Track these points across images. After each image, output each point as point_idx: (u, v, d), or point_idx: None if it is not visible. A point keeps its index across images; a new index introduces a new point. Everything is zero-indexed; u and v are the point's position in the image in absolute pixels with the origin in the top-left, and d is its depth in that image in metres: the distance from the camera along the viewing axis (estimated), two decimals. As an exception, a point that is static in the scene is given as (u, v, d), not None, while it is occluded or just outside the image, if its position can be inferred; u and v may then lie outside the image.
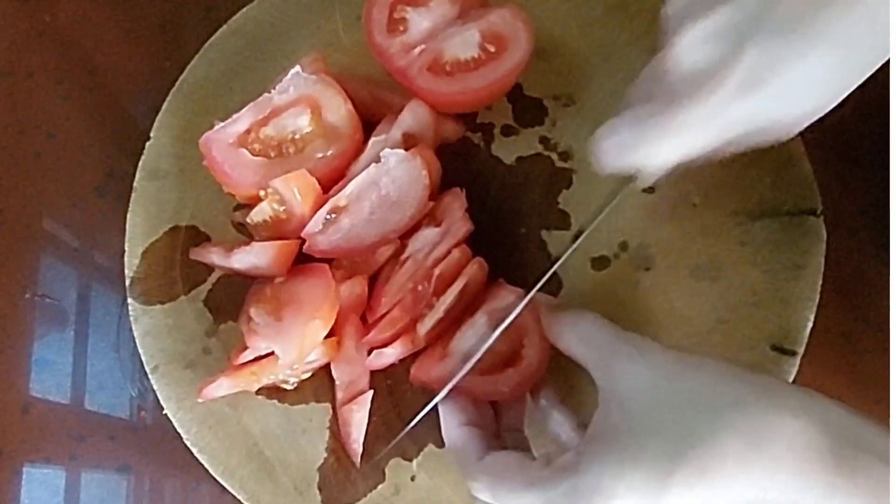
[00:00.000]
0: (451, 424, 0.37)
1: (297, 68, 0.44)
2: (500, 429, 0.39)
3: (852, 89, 0.31)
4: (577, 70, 0.48)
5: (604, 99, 0.47)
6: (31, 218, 0.52)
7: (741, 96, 0.31)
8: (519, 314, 0.38)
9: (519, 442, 0.38)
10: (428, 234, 0.43)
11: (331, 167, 0.43)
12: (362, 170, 0.42)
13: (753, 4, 0.31)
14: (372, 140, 0.44)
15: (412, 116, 0.44)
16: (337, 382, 0.43)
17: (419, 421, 0.40)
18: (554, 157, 0.47)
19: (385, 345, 0.42)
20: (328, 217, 0.42)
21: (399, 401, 0.44)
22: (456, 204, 0.43)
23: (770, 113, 0.32)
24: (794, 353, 0.42)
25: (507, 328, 0.39)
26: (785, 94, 0.31)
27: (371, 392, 0.42)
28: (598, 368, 0.33)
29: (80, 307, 0.50)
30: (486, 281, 0.43)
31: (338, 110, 0.44)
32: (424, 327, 0.41)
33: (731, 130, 0.33)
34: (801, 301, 0.43)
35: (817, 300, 0.43)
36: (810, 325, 0.42)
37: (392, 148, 0.42)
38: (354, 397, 0.42)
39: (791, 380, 0.42)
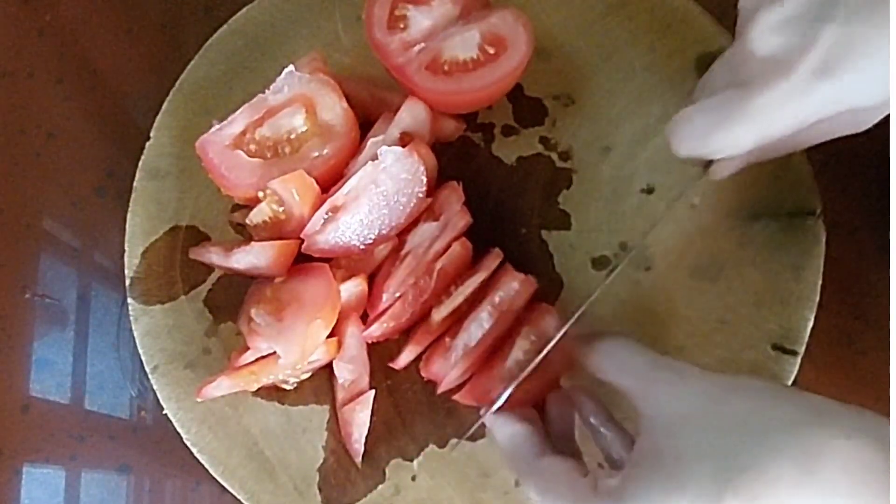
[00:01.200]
0: (506, 423, 0.37)
1: (291, 68, 0.44)
2: (552, 436, 0.38)
3: None
4: (577, 70, 0.48)
5: (604, 98, 0.47)
6: (31, 218, 0.52)
7: (817, 80, 0.31)
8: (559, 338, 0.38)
9: (571, 450, 0.38)
10: (427, 228, 0.43)
11: (328, 166, 0.43)
12: (360, 169, 0.42)
13: None
14: (370, 140, 0.44)
15: (409, 115, 0.44)
16: (338, 382, 0.43)
17: (420, 421, 0.40)
18: (554, 156, 0.47)
19: (386, 339, 0.42)
20: (327, 216, 0.42)
21: (399, 401, 0.44)
22: (453, 197, 0.44)
23: (847, 99, 0.31)
24: (794, 353, 0.42)
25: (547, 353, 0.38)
26: (862, 78, 0.31)
27: (373, 392, 0.42)
28: (638, 396, 0.32)
29: (80, 307, 0.50)
30: (482, 266, 0.43)
31: (332, 108, 0.44)
32: (440, 314, 0.42)
33: (807, 117, 0.32)
34: (801, 301, 0.43)
35: (817, 300, 0.43)
36: (810, 324, 0.42)
37: (389, 146, 0.42)
38: (355, 397, 0.42)
39: (791, 379, 0.42)
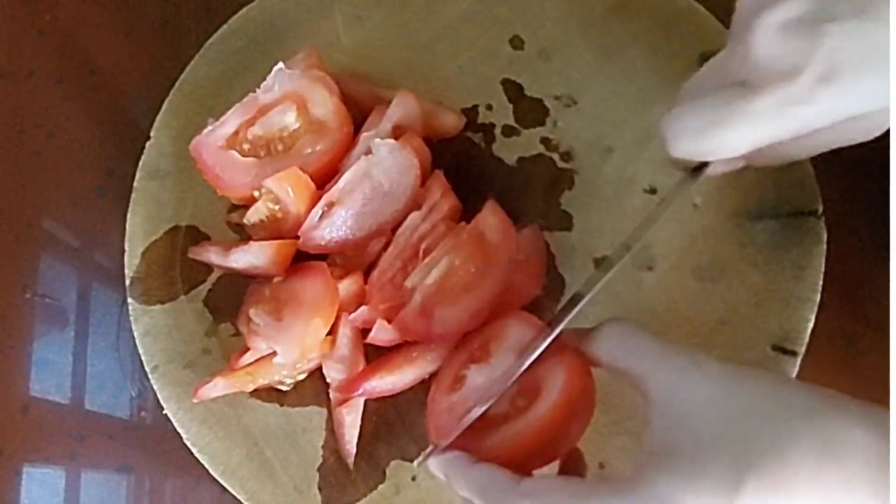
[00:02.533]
0: (464, 467, 0.34)
1: (280, 65, 0.44)
2: None
3: None
4: (578, 70, 0.48)
5: (606, 99, 0.47)
6: (31, 218, 0.51)
7: (819, 86, 0.30)
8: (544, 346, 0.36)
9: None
10: (413, 217, 0.43)
11: (322, 162, 0.43)
12: (354, 163, 0.42)
13: None
14: (363, 135, 0.44)
15: (401, 108, 0.44)
16: (330, 382, 0.43)
17: (419, 421, 0.40)
18: (555, 157, 0.47)
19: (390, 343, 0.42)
20: (323, 212, 0.42)
21: (399, 401, 0.44)
22: (435, 185, 0.44)
23: (851, 105, 0.31)
24: (794, 354, 0.42)
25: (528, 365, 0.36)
26: (867, 81, 0.30)
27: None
28: (650, 381, 0.32)
29: (80, 307, 0.50)
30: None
31: (324, 104, 0.44)
32: (412, 281, 0.41)
33: (809, 123, 0.31)
34: (801, 301, 0.43)
35: (818, 300, 0.43)
36: (811, 325, 0.42)
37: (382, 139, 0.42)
38: (348, 399, 0.42)
39: (792, 380, 0.42)
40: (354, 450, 0.42)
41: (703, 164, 0.37)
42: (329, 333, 0.42)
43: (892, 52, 0.29)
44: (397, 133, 0.44)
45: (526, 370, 0.36)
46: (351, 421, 0.42)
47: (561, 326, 0.36)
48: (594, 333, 0.35)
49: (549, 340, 0.36)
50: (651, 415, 0.31)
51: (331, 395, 0.43)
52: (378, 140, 0.42)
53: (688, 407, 0.30)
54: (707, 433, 0.29)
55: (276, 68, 0.43)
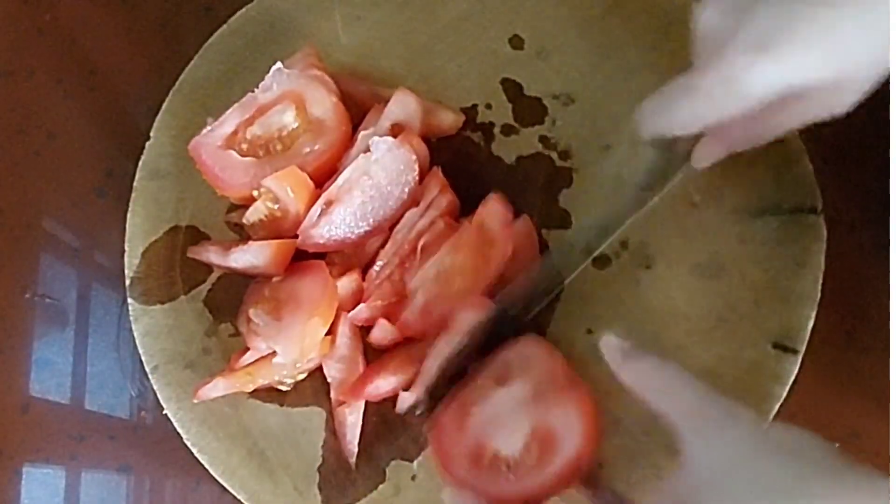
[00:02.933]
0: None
1: (279, 65, 0.44)
2: None
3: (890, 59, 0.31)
4: (576, 69, 0.48)
5: (604, 98, 0.47)
6: (31, 218, 0.52)
7: (753, 58, 0.31)
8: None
9: None
10: (411, 213, 0.43)
11: (320, 161, 0.43)
12: (353, 162, 0.42)
13: None
14: (361, 133, 0.44)
15: (399, 107, 0.44)
16: (330, 382, 0.43)
17: (420, 421, 0.40)
18: (554, 156, 0.47)
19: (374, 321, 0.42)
20: (321, 211, 0.42)
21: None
22: (433, 181, 0.44)
23: (791, 78, 0.31)
24: (795, 351, 0.42)
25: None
26: (803, 55, 0.31)
27: None
28: (686, 428, 0.32)
29: (80, 307, 0.50)
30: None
31: (322, 103, 0.44)
32: (415, 282, 0.42)
33: (755, 95, 0.32)
34: (801, 299, 0.43)
35: (818, 298, 0.43)
36: (811, 323, 0.42)
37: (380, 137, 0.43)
38: (347, 398, 0.42)
39: (791, 378, 0.42)
40: (356, 449, 0.42)
41: (675, 145, 0.39)
42: (328, 333, 0.42)
43: (892, 54, 0.29)
44: (396, 131, 0.44)
45: (540, 408, 0.37)
46: (352, 421, 0.42)
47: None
48: (630, 364, 0.35)
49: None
50: (683, 463, 0.31)
51: (331, 395, 0.43)
52: (376, 138, 0.42)
53: (716, 468, 0.30)
54: (733, 498, 0.29)
55: (274, 68, 0.44)
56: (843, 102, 0.33)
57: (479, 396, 0.39)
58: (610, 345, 0.36)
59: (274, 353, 0.41)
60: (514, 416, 0.38)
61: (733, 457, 0.30)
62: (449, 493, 0.37)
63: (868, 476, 0.29)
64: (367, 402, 0.43)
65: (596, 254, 0.45)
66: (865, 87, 0.32)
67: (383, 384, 0.41)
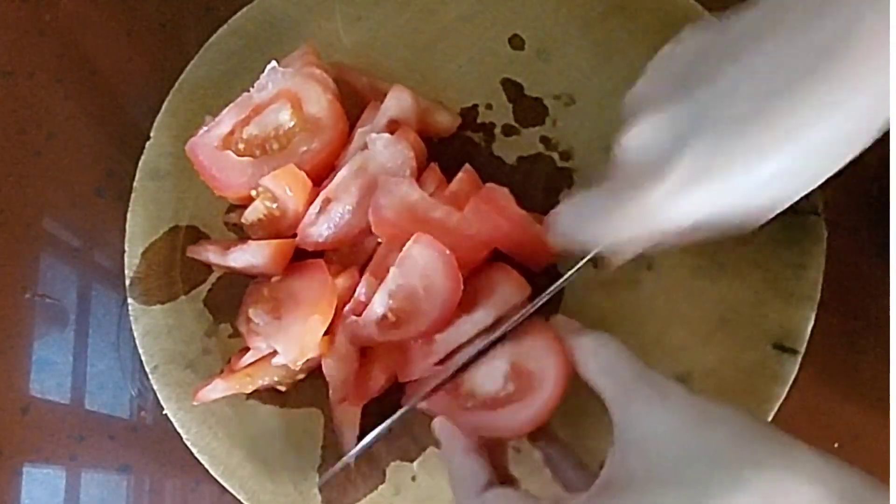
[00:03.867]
0: (455, 450, 0.36)
1: (273, 64, 0.44)
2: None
3: (818, 181, 0.32)
4: (577, 70, 0.48)
5: (604, 99, 0.47)
6: (31, 218, 0.52)
7: (684, 191, 0.31)
8: (518, 323, 0.38)
9: (508, 480, 0.37)
10: None
11: (318, 160, 0.43)
12: (350, 159, 0.43)
13: (705, 101, 0.32)
14: (358, 130, 0.44)
15: (396, 103, 0.44)
16: (329, 381, 0.43)
17: (420, 421, 0.40)
18: (555, 156, 0.47)
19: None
20: (320, 209, 0.42)
21: (399, 401, 0.44)
22: (430, 177, 0.44)
23: (720, 207, 0.32)
24: (795, 352, 0.42)
25: (504, 336, 0.38)
26: (732, 190, 0.31)
27: None
28: (617, 405, 0.32)
29: (80, 307, 0.50)
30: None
31: (318, 101, 0.44)
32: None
33: (681, 221, 0.33)
34: (802, 300, 0.43)
35: (818, 299, 0.43)
36: (811, 324, 0.42)
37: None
38: (346, 397, 0.42)
39: (791, 379, 0.42)
40: (356, 449, 0.42)
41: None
42: (327, 332, 0.41)
43: (892, 53, 0.29)
44: (393, 128, 0.44)
45: (518, 348, 0.38)
46: (352, 421, 0.42)
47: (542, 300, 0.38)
48: (576, 340, 0.36)
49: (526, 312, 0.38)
50: (615, 438, 0.32)
51: (330, 395, 0.43)
52: (374, 135, 0.42)
53: (646, 440, 0.30)
54: (660, 471, 0.29)
55: (269, 67, 0.43)
56: (755, 223, 0.34)
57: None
58: (560, 323, 0.38)
59: (274, 353, 0.41)
60: (483, 349, 0.39)
61: (658, 431, 0.30)
62: (438, 422, 0.37)
63: (798, 444, 0.29)
64: (366, 403, 0.43)
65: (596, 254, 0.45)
66: (782, 206, 0.33)
67: (381, 376, 0.42)
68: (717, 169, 0.31)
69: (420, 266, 0.40)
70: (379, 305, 0.41)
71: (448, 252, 0.39)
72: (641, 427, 0.31)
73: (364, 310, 0.41)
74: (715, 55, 0.33)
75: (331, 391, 0.43)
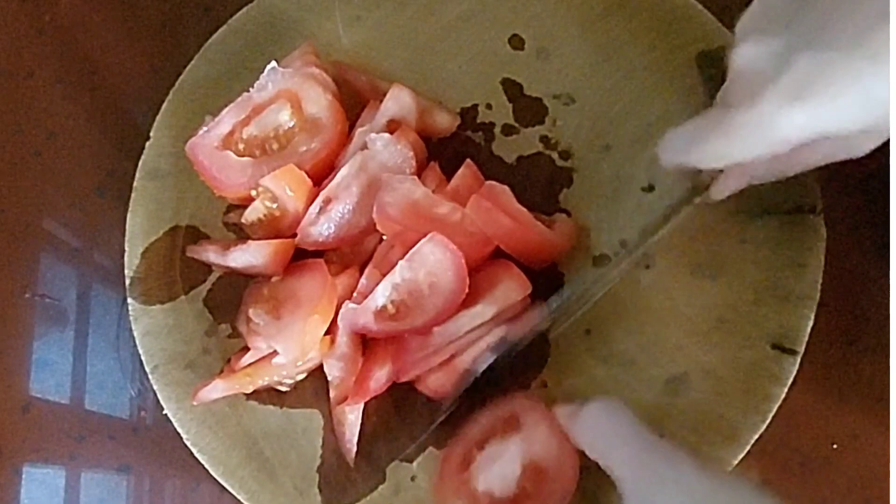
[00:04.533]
0: None
1: (273, 64, 0.44)
2: None
3: None
4: (577, 69, 0.48)
5: (604, 97, 0.47)
6: (31, 218, 0.52)
7: (788, 105, 0.31)
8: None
9: None
10: None
11: (318, 159, 0.43)
12: (350, 158, 0.43)
13: (812, 21, 0.31)
14: (358, 130, 0.44)
15: (395, 103, 0.44)
16: (330, 380, 0.43)
17: (420, 422, 0.40)
18: (554, 156, 0.47)
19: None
20: (320, 208, 0.42)
21: (399, 401, 0.44)
22: (430, 176, 0.44)
23: (823, 125, 0.32)
24: (794, 352, 0.42)
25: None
26: (837, 105, 0.31)
27: None
28: (625, 481, 0.32)
29: (80, 307, 0.50)
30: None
31: (317, 101, 0.44)
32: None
33: (784, 140, 0.32)
34: (801, 299, 0.43)
35: (818, 298, 0.43)
36: (811, 323, 0.42)
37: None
38: (347, 396, 0.42)
39: (791, 379, 0.42)
40: (355, 449, 0.42)
41: (696, 176, 0.39)
42: (328, 332, 0.42)
43: (892, 52, 0.29)
44: (392, 127, 0.44)
45: (530, 446, 0.38)
46: (352, 421, 0.42)
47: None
48: (575, 420, 0.36)
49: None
50: None
51: (331, 395, 0.43)
52: (373, 134, 0.42)
53: None
54: None
55: (268, 67, 0.44)
56: (863, 148, 0.34)
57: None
58: (562, 413, 0.38)
59: (274, 353, 0.41)
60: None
61: None
62: None
63: None
64: (366, 402, 0.43)
65: (595, 253, 0.45)
66: (885, 135, 0.33)
67: (382, 375, 0.41)
68: (823, 84, 0.31)
69: (429, 263, 0.40)
70: (381, 296, 0.41)
71: (459, 253, 0.40)
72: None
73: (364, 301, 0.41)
74: None
75: (331, 391, 0.43)
